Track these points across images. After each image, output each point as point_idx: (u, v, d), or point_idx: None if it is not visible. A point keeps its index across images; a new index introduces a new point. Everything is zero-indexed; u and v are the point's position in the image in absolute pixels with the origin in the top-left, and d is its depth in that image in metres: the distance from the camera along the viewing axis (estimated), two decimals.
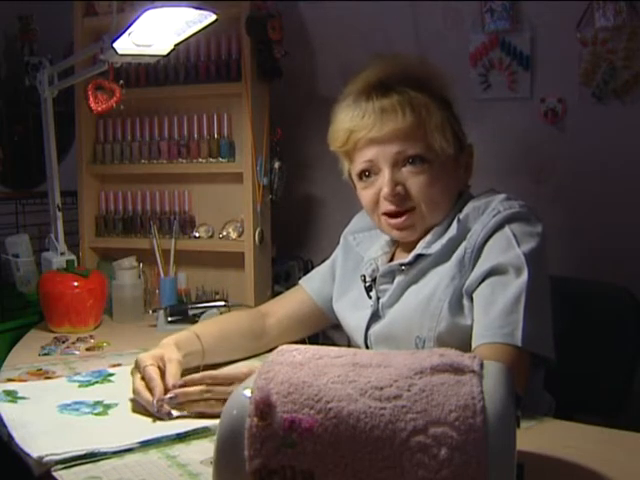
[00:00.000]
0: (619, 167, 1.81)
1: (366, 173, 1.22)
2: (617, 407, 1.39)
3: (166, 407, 1.07)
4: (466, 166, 1.26)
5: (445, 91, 1.24)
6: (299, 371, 0.75)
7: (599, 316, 1.46)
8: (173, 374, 1.14)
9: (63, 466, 0.92)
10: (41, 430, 1.02)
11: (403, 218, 1.19)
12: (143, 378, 1.13)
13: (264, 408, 0.70)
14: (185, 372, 1.19)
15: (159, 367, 1.15)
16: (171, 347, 1.21)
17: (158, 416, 1.07)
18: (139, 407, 1.12)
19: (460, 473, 0.66)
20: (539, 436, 1.00)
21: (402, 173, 1.19)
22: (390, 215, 1.20)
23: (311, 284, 1.44)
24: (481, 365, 0.75)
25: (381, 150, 1.18)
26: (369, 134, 1.18)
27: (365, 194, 1.23)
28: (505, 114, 1.93)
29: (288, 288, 1.54)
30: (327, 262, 1.45)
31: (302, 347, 0.82)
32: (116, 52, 1.60)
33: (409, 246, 1.25)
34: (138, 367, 1.16)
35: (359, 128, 1.19)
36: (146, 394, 1.10)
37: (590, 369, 1.42)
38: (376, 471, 0.68)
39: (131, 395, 1.17)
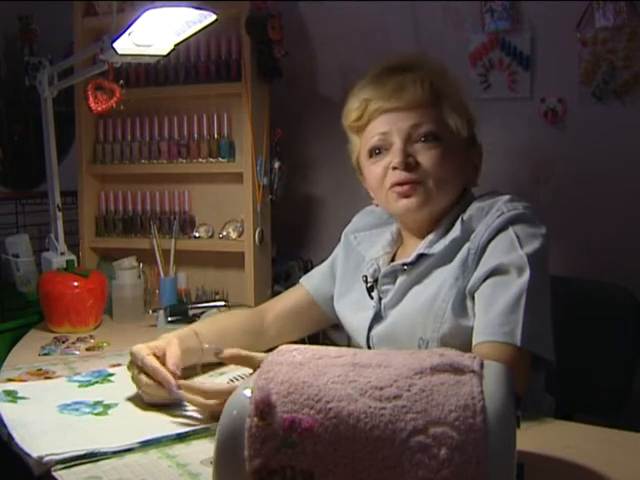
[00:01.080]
0: (619, 167, 1.81)
1: (377, 150, 1.22)
2: (617, 407, 1.39)
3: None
4: (474, 164, 1.26)
5: (462, 91, 1.26)
6: (299, 371, 0.75)
7: (599, 316, 1.46)
8: (175, 355, 1.13)
9: (63, 466, 0.92)
10: (41, 430, 1.02)
11: (408, 186, 1.19)
12: (142, 371, 1.12)
13: (264, 408, 0.70)
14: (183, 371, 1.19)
15: (157, 357, 1.14)
16: (169, 338, 1.20)
17: (174, 398, 1.08)
18: (143, 403, 1.13)
19: (460, 473, 0.66)
20: (539, 436, 1.00)
21: (414, 147, 1.19)
22: (398, 184, 1.20)
23: (311, 282, 1.44)
24: (481, 365, 0.75)
25: (396, 121, 1.19)
26: (386, 104, 1.19)
27: (374, 169, 1.23)
28: (505, 114, 1.93)
29: (288, 288, 1.54)
30: (327, 261, 1.45)
31: (302, 347, 0.82)
32: (116, 52, 1.60)
33: (411, 245, 1.25)
34: (135, 360, 1.14)
35: (377, 97, 1.20)
36: (163, 374, 1.09)
37: (590, 369, 1.42)
38: (376, 471, 0.68)
39: (131, 395, 1.18)
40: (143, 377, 1.12)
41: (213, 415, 1.02)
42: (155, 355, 1.14)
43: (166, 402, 1.11)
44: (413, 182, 1.18)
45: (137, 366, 1.14)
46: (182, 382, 1.09)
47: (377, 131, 1.21)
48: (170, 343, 1.17)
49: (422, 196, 1.19)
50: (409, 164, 1.18)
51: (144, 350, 1.14)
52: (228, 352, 1.10)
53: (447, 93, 1.21)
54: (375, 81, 1.23)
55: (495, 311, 1.06)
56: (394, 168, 1.19)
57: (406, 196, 1.19)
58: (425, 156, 1.18)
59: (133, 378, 1.15)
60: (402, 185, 1.19)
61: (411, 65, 1.23)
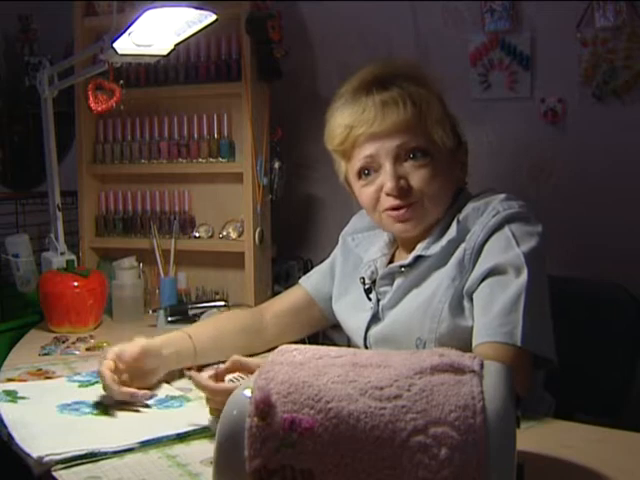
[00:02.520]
0: (619, 167, 1.81)
1: (365, 171, 1.20)
2: (617, 407, 1.39)
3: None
4: (462, 163, 1.25)
5: (440, 89, 1.24)
6: (299, 371, 0.75)
7: (599, 316, 1.46)
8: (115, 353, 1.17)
9: (63, 466, 0.92)
10: (41, 430, 1.03)
11: (404, 210, 1.18)
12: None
13: (264, 408, 0.70)
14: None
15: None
16: (138, 339, 1.22)
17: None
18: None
19: (460, 473, 0.66)
20: (539, 436, 1.00)
21: (404, 167, 1.18)
22: (392, 209, 1.19)
23: (310, 282, 1.45)
24: (481, 365, 0.75)
25: (382, 145, 1.17)
26: (370, 129, 1.17)
27: (365, 192, 1.21)
28: (505, 114, 1.93)
29: (288, 288, 1.54)
30: (326, 261, 1.45)
31: (302, 347, 0.82)
32: (116, 52, 1.60)
33: (408, 247, 1.25)
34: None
35: (359, 123, 1.17)
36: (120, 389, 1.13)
37: (590, 369, 1.42)
38: (376, 471, 0.68)
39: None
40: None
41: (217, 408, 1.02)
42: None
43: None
44: (408, 205, 1.18)
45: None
46: (194, 374, 1.07)
47: (364, 154, 1.19)
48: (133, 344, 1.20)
49: (418, 217, 1.19)
50: (402, 188, 1.17)
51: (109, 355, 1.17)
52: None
53: (428, 107, 1.18)
54: (353, 103, 1.19)
55: (494, 311, 1.06)
56: (387, 194, 1.18)
57: (402, 221, 1.19)
58: (416, 176, 1.17)
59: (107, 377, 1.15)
60: (397, 210, 1.18)
61: (388, 79, 1.19)
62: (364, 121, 1.17)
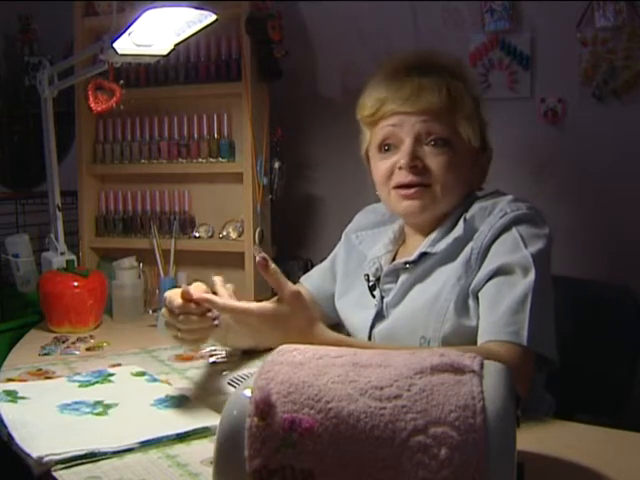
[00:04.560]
0: (619, 167, 1.81)
1: (386, 146, 1.21)
2: (617, 407, 1.39)
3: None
4: (482, 168, 1.26)
5: (477, 91, 1.26)
6: (299, 371, 0.75)
7: (599, 316, 1.46)
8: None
9: (63, 466, 0.92)
10: (41, 430, 1.02)
11: (414, 189, 1.19)
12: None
13: (264, 408, 0.70)
14: None
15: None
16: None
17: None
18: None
19: (460, 473, 0.66)
20: (539, 436, 1.00)
21: (423, 150, 1.19)
22: (402, 187, 1.20)
23: (310, 280, 1.44)
24: (481, 365, 0.75)
25: (408, 119, 1.18)
26: (401, 107, 1.19)
27: (381, 166, 1.22)
28: (505, 114, 1.93)
29: None
30: (327, 259, 1.45)
31: (302, 347, 0.82)
32: (116, 52, 1.60)
33: (413, 244, 1.25)
34: (173, 302, 1.15)
35: (393, 99, 1.19)
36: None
37: (590, 369, 1.42)
38: (376, 471, 0.68)
39: (131, 395, 1.18)
40: (194, 317, 1.13)
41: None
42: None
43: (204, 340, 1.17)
44: (419, 185, 1.18)
45: (181, 309, 1.14)
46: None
47: (389, 123, 1.20)
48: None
49: (426, 200, 1.19)
50: (416, 166, 1.18)
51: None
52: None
53: (462, 101, 1.20)
54: (392, 80, 1.21)
55: (501, 310, 1.06)
56: (400, 168, 1.19)
57: (409, 198, 1.19)
58: (433, 161, 1.18)
59: (177, 322, 1.14)
60: (407, 188, 1.19)
61: (430, 67, 1.22)
62: (398, 98, 1.19)
